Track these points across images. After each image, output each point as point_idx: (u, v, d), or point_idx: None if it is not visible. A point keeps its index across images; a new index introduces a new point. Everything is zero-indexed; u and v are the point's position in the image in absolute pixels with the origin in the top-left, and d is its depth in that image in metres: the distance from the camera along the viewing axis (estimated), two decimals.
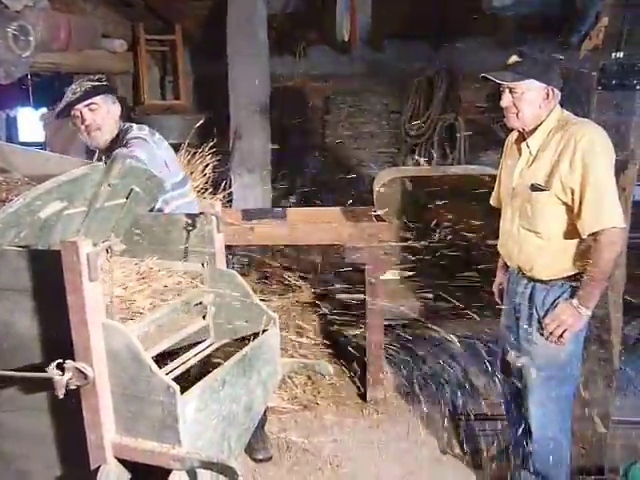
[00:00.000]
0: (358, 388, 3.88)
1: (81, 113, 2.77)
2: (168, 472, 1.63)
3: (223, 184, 4.41)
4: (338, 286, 4.44)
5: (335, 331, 4.19)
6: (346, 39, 5.90)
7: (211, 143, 4.36)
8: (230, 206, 4.84)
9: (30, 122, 7.82)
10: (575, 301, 2.45)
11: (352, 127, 7.35)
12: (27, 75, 5.19)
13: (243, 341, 2.05)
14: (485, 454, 3.14)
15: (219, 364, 1.85)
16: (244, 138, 5.84)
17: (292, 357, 3.83)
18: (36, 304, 1.68)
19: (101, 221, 2.06)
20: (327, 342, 4.24)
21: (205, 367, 1.95)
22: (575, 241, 2.48)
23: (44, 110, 7.12)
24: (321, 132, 7.44)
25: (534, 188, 2.50)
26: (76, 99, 2.73)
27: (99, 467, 1.64)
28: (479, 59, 3.40)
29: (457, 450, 3.23)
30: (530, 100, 2.48)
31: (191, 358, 1.97)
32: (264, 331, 2.03)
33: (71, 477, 1.82)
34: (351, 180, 6.53)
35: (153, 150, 2.70)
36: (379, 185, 4.25)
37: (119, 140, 2.79)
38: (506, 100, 2.52)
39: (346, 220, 4.02)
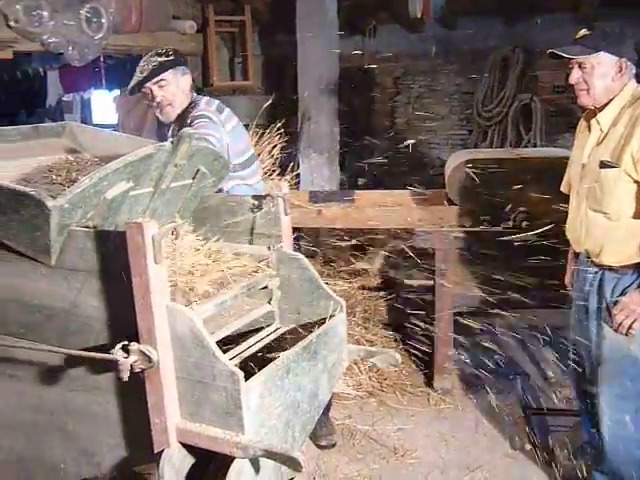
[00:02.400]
0: (425, 376, 3.79)
1: (151, 91, 2.76)
2: (230, 459, 1.60)
3: (291, 166, 4.38)
4: (406, 271, 4.34)
5: (402, 317, 4.10)
6: (418, 16, 5.73)
7: (279, 124, 4.33)
8: (297, 188, 4.80)
9: (103, 104, 7.98)
10: None
11: (422, 108, 7.17)
12: (100, 57, 5.28)
13: (309, 327, 2.00)
14: (557, 451, 3.00)
15: (284, 350, 1.81)
16: (312, 119, 5.76)
17: (358, 343, 3.78)
18: (102, 285, 1.67)
19: (167, 202, 2.04)
20: (394, 328, 4.16)
21: (270, 353, 1.91)
22: None
23: (117, 92, 7.26)
24: (390, 113, 7.30)
25: (603, 165, 2.37)
26: (144, 77, 2.72)
27: (162, 451, 1.62)
28: (557, 36, 3.21)
29: (527, 445, 3.09)
30: (601, 74, 2.35)
31: (256, 343, 1.93)
32: (331, 317, 1.97)
33: (134, 459, 1.82)
34: (421, 163, 6.39)
35: (219, 129, 2.67)
36: (450, 168, 4.11)
37: (186, 115, 2.76)
38: (575, 76, 2.39)
39: (416, 204, 3.91)
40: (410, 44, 6.87)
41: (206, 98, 2.87)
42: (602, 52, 2.33)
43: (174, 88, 2.76)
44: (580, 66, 2.37)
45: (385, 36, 6.93)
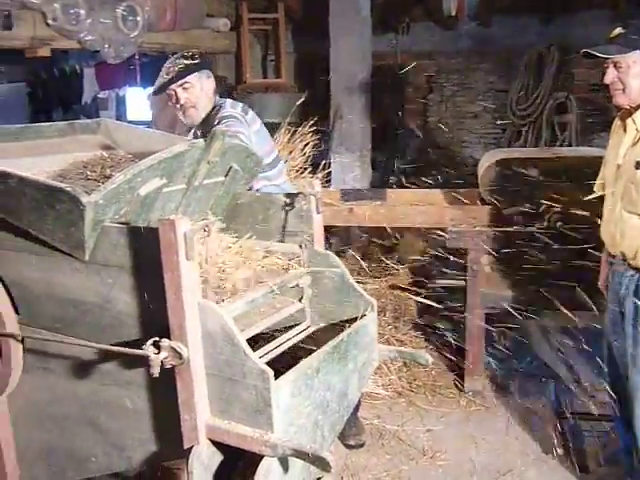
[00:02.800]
0: (455, 377, 3.75)
1: (175, 92, 2.79)
2: (259, 458, 1.59)
3: (322, 164, 4.37)
4: (437, 271, 4.30)
5: (433, 317, 4.07)
6: (453, 14, 5.67)
7: (311, 122, 4.32)
8: (328, 186, 4.79)
9: (138, 101, 8.06)
10: None
11: (455, 107, 7.11)
12: (135, 55, 5.33)
13: (339, 326, 1.99)
14: (590, 457, 2.95)
15: (314, 349, 1.80)
16: (344, 117, 5.76)
17: (388, 342, 3.76)
18: (134, 281, 1.68)
19: (200, 199, 2.05)
20: (424, 328, 4.13)
21: (300, 351, 1.91)
22: None
23: (151, 89, 7.32)
24: (423, 112, 7.24)
25: (639, 166, 2.31)
26: (169, 80, 2.76)
27: (192, 447, 1.63)
28: (594, 33, 3.15)
29: (560, 450, 3.03)
30: (636, 74, 2.30)
31: (286, 342, 1.93)
32: (361, 316, 1.96)
33: (164, 454, 1.83)
34: (454, 162, 6.33)
35: (246, 129, 2.68)
36: (484, 167, 4.06)
37: (212, 117, 2.78)
38: (610, 75, 2.35)
39: (448, 203, 3.88)
40: (444, 42, 6.81)
41: (230, 100, 2.90)
42: (638, 51, 2.28)
43: (198, 91, 2.79)
44: (615, 65, 2.33)
45: (419, 34, 6.88)
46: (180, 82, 2.76)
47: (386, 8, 6.33)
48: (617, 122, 2.54)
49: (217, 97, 2.90)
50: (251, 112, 2.88)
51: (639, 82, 2.31)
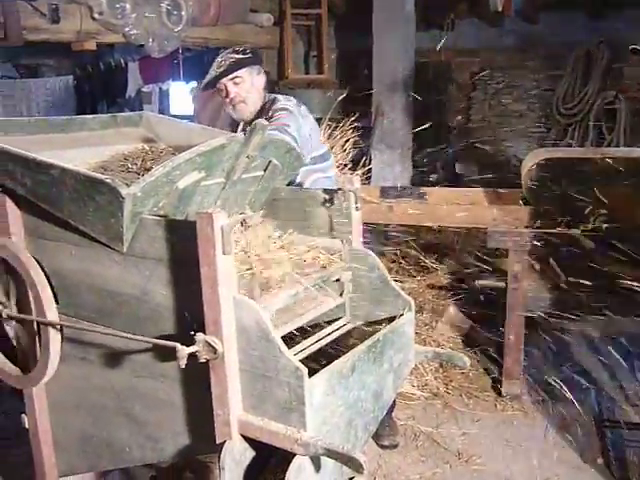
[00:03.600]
0: (492, 380, 3.68)
1: (225, 87, 2.79)
2: (291, 456, 1.58)
3: (362, 160, 4.34)
4: (476, 271, 4.23)
5: (471, 318, 4.01)
6: (499, 9, 5.57)
7: (352, 118, 4.29)
8: (368, 183, 4.75)
9: (181, 95, 8.13)
10: None
11: (499, 105, 6.99)
12: (178, 49, 5.37)
13: (376, 325, 1.96)
14: (632, 467, 2.86)
15: (350, 347, 1.78)
16: (386, 114, 5.72)
17: (424, 343, 3.71)
18: (171, 274, 1.68)
19: (238, 193, 2.04)
20: (462, 329, 4.07)
21: (336, 349, 1.89)
22: None
23: (193, 84, 7.38)
24: (466, 110, 7.14)
25: None
26: (220, 73, 2.75)
27: (224, 442, 1.62)
28: None
29: (599, 459, 2.95)
30: None
31: (322, 338, 1.91)
32: (399, 316, 1.93)
33: (197, 448, 1.83)
34: (497, 161, 6.23)
35: (299, 121, 2.67)
36: (528, 167, 3.98)
37: (264, 111, 2.78)
38: None
39: (490, 203, 3.81)
40: (489, 39, 6.70)
41: (283, 95, 2.88)
42: None
43: (248, 86, 2.79)
44: None
45: (463, 30, 6.78)
46: (231, 76, 2.75)
47: (430, 4, 6.25)
48: None
49: (267, 94, 2.89)
50: (303, 106, 2.86)
51: None
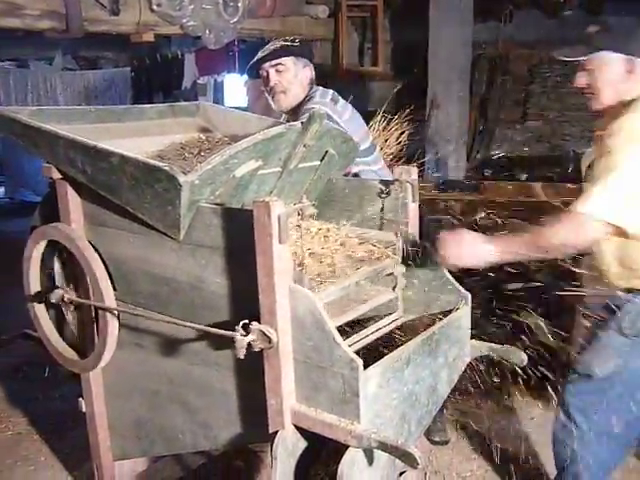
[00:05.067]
0: (548, 379, 3.58)
1: (268, 73, 2.72)
2: (344, 448, 1.56)
3: (417, 153, 4.28)
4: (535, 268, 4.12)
5: (528, 315, 3.90)
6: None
7: (407, 111, 4.23)
8: (422, 176, 4.69)
9: (235, 87, 8.18)
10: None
11: (558, 98, 6.79)
12: (234, 41, 5.40)
13: (431, 318, 1.93)
14: None
15: (405, 340, 1.75)
16: (441, 107, 5.63)
17: (480, 339, 3.63)
18: (227, 262, 1.69)
19: (294, 183, 2.03)
20: (519, 326, 3.97)
21: (390, 342, 1.86)
22: None
23: (247, 76, 7.41)
24: (523, 103, 6.97)
25: None
26: (263, 57, 2.69)
27: (277, 432, 1.62)
28: None
29: None
30: None
31: (377, 331, 1.88)
32: (455, 310, 1.89)
33: (249, 437, 1.84)
34: (554, 155, 6.07)
35: (332, 118, 2.59)
36: (587, 162, 3.86)
37: (301, 106, 2.70)
38: None
39: (547, 198, 3.70)
40: (549, 30, 6.51)
41: (321, 90, 2.75)
42: None
43: (291, 76, 2.69)
44: None
45: (522, 21, 6.61)
46: (274, 62, 2.68)
47: None
48: None
49: (312, 88, 2.79)
50: (341, 100, 2.77)
51: None
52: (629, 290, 2.11)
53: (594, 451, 2.20)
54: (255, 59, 2.73)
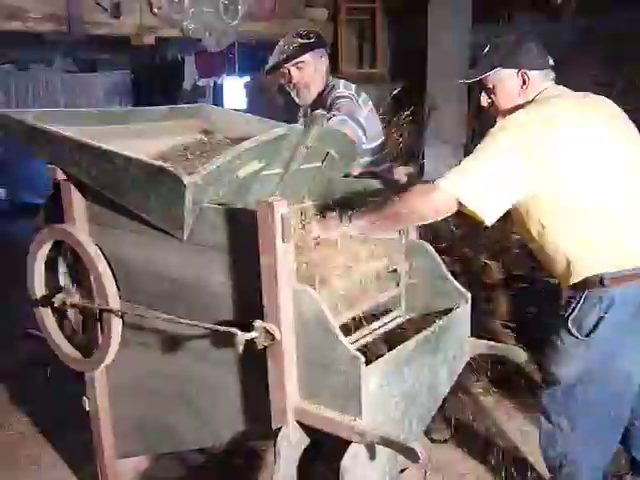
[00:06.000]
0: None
1: (289, 71, 2.74)
2: (346, 444, 1.59)
3: (416, 155, 4.31)
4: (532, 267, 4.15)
5: (526, 314, 3.93)
6: (559, 1, 5.44)
7: (406, 113, 4.26)
8: (421, 177, 4.71)
9: (234, 89, 8.20)
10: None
11: None
12: (233, 44, 5.42)
13: (432, 317, 1.96)
14: None
15: (406, 338, 1.77)
16: (439, 109, 5.65)
17: (480, 337, 3.65)
18: (230, 262, 1.71)
19: (296, 183, 2.06)
20: (517, 325, 3.99)
21: (391, 339, 1.89)
22: None
23: (247, 78, 7.44)
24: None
25: None
26: (284, 59, 2.71)
27: (279, 428, 1.64)
28: None
29: None
30: None
31: (378, 328, 1.91)
32: (455, 309, 1.92)
33: (251, 434, 1.86)
34: None
35: (357, 112, 2.62)
36: None
37: (324, 97, 2.73)
38: None
39: None
40: (547, 33, 6.54)
41: (343, 81, 2.80)
42: None
43: (312, 70, 2.73)
44: None
45: (521, 25, 6.64)
46: (295, 61, 2.71)
47: None
48: None
49: (329, 77, 2.83)
50: (364, 94, 2.81)
51: None
52: (573, 286, 1.99)
53: (582, 452, 2.13)
54: (274, 62, 2.75)
